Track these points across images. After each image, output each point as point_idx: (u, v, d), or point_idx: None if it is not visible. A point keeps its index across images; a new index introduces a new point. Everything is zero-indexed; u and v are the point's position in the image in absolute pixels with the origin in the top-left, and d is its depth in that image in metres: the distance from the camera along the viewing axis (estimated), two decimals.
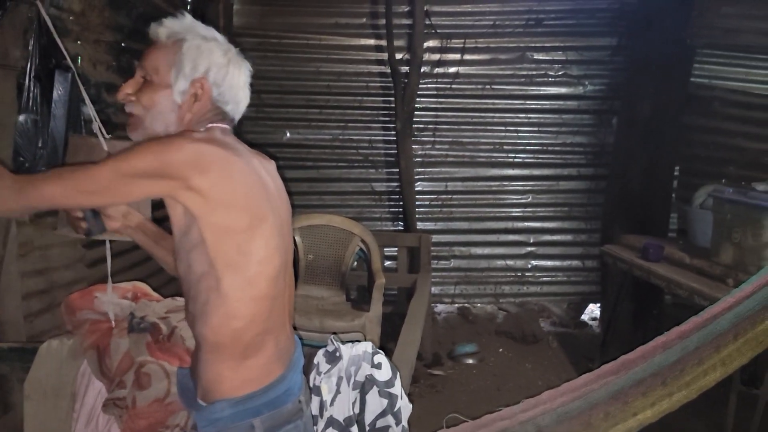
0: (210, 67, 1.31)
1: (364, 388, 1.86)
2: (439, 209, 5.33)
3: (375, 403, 1.87)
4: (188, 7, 4.56)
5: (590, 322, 5.21)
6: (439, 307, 5.35)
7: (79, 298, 2.02)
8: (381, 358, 1.91)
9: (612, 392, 1.61)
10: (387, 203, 5.36)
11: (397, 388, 1.91)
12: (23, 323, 2.51)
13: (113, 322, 1.93)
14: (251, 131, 5.14)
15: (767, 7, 4.41)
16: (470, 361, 4.38)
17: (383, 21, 5.01)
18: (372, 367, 1.88)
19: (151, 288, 2.21)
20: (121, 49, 3.48)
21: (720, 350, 1.58)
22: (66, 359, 1.98)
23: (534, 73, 5.17)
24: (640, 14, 4.73)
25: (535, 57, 5.16)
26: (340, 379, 1.86)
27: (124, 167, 1.16)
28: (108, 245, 1.87)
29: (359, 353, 1.90)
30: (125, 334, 1.90)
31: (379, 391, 1.87)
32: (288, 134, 5.27)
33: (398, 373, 1.94)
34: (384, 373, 1.89)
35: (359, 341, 1.96)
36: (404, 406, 1.92)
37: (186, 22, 1.34)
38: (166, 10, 4.09)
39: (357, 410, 1.86)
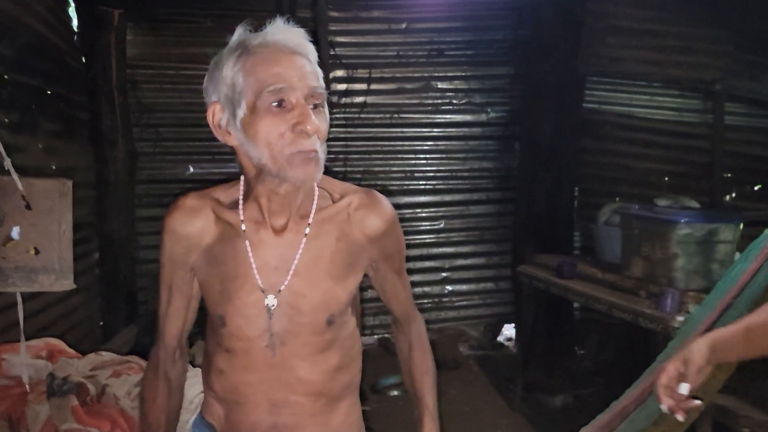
0: None
1: None
2: None
3: None
4: (75, 37, 4.25)
5: (506, 343, 5.31)
6: None
7: None
8: None
9: None
10: None
11: None
12: None
13: (27, 386, 1.67)
14: (148, 167, 4.84)
15: (644, 37, 4.84)
16: (395, 392, 4.28)
17: None
18: None
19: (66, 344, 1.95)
20: (2, 81, 3.15)
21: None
22: None
23: (439, 101, 5.28)
24: (535, 44, 4.96)
25: (440, 86, 5.27)
26: None
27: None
28: (19, 299, 1.63)
29: None
30: (44, 398, 1.64)
31: None
32: (191, 169, 5.01)
33: None
34: None
35: None
36: None
37: None
38: (51, 39, 3.80)
39: None
